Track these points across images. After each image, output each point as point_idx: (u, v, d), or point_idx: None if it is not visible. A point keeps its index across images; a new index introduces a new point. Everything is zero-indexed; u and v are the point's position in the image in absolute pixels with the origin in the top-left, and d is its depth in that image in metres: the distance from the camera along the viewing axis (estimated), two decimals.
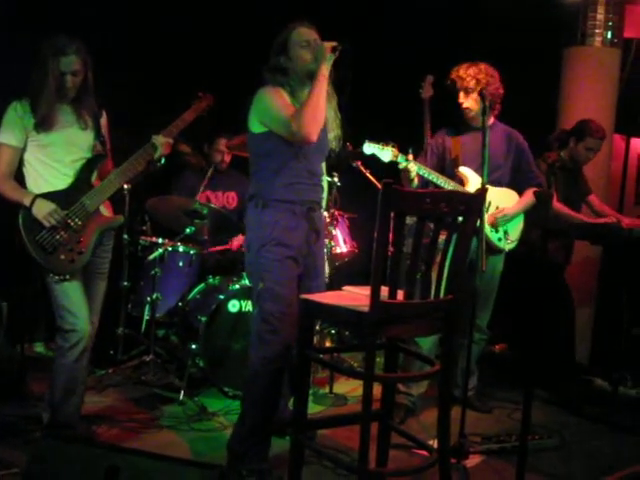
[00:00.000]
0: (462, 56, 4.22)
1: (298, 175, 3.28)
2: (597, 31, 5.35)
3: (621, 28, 5.42)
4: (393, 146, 3.88)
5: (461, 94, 4.15)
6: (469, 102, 4.14)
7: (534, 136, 4.54)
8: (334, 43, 3.11)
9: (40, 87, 3.30)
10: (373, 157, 3.93)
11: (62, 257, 3.32)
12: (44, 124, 3.32)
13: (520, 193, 4.30)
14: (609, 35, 5.37)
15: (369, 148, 3.89)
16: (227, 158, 5.36)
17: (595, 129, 4.71)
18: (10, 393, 4.04)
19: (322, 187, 3.49)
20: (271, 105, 3.19)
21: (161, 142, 3.51)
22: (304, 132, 3.08)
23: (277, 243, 3.22)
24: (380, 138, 3.92)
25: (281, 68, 3.27)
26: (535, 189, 4.09)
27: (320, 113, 3.11)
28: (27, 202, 3.28)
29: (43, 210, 3.27)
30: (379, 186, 2.64)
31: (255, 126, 3.26)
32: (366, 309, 2.65)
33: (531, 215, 4.36)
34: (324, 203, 3.60)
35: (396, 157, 3.89)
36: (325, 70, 3.11)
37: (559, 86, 5.57)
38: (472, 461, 3.58)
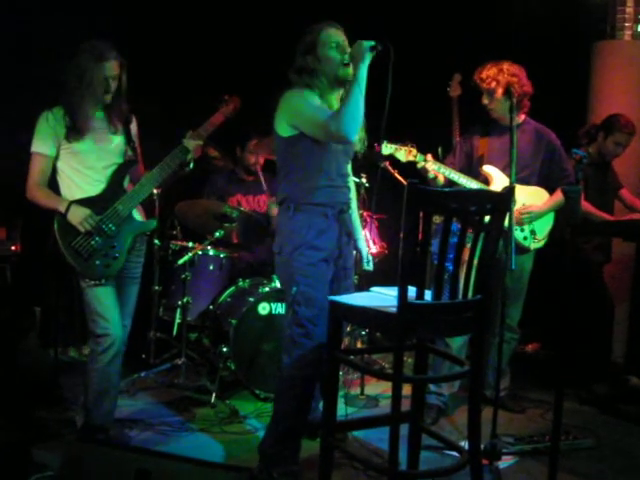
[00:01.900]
0: (490, 53, 4.19)
1: (328, 178, 3.27)
2: (627, 24, 5.27)
3: None
4: (411, 146, 3.88)
5: (484, 96, 4.13)
6: (492, 103, 4.12)
7: (565, 132, 4.49)
8: (372, 43, 3.05)
9: (81, 94, 3.32)
10: (392, 157, 3.94)
11: (97, 262, 3.36)
12: (79, 132, 3.35)
13: (551, 192, 4.26)
14: (639, 28, 5.29)
15: (387, 149, 3.90)
16: (261, 160, 5.36)
17: (624, 124, 4.65)
18: (44, 397, 4.09)
19: (349, 188, 3.49)
20: (303, 107, 3.15)
21: (192, 145, 3.52)
22: (344, 132, 3.03)
23: (310, 246, 3.21)
24: (407, 138, 3.91)
25: (308, 69, 3.23)
26: (565, 187, 4.05)
27: (359, 112, 3.06)
28: (62, 209, 3.32)
29: (78, 216, 3.31)
30: None
31: (283, 129, 3.22)
32: (394, 310, 2.64)
33: (563, 214, 4.31)
34: (354, 204, 3.59)
35: (414, 157, 3.88)
36: (363, 69, 3.04)
37: (589, 81, 5.50)
38: (505, 462, 3.55)
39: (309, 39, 3.25)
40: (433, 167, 3.94)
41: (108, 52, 3.33)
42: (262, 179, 5.34)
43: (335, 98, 3.30)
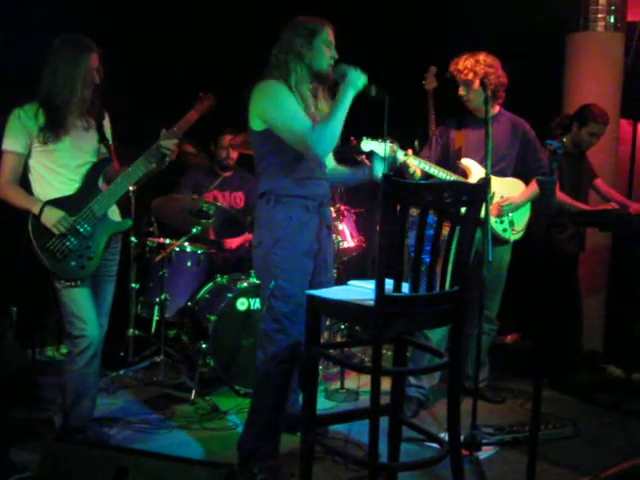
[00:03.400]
0: (464, 45, 4.20)
1: (309, 170, 3.26)
2: (600, 16, 5.28)
3: (624, 12, 5.36)
4: (391, 141, 3.85)
5: (461, 87, 4.14)
6: (470, 94, 4.12)
7: (539, 123, 4.51)
8: (365, 82, 3.13)
9: (65, 90, 3.26)
10: (372, 153, 3.92)
11: (73, 264, 3.31)
12: (58, 131, 3.28)
13: (527, 183, 4.28)
14: (612, 19, 5.30)
15: (367, 145, 3.86)
16: (233, 155, 5.33)
17: (598, 114, 4.66)
18: (22, 397, 4.05)
19: (327, 179, 3.47)
20: (281, 109, 3.12)
21: (170, 145, 3.44)
22: (319, 149, 3.09)
23: (291, 240, 3.20)
24: (382, 131, 3.90)
25: (297, 51, 3.20)
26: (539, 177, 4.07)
27: (337, 133, 3.12)
28: (36, 210, 3.25)
29: (52, 218, 3.25)
30: None
31: (257, 124, 3.20)
32: (371, 303, 2.64)
33: (538, 204, 4.34)
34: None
35: (394, 152, 3.86)
36: (350, 96, 3.11)
37: (563, 73, 5.53)
38: (485, 452, 3.57)
39: (311, 26, 3.24)
40: (414, 162, 3.93)
41: (89, 44, 3.29)
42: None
43: (308, 89, 3.28)
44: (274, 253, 3.20)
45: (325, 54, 3.23)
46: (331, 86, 3.32)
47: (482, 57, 4.05)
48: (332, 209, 4.74)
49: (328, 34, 3.26)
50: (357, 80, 3.12)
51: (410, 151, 3.93)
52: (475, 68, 4.02)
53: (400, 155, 3.88)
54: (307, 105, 3.22)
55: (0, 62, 4.46)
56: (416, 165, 3.93)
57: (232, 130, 5.13)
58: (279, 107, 3.13)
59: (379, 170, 3.47)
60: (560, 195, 4.50)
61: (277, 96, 3.15)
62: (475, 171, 4.09)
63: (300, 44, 3.21)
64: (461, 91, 4.14)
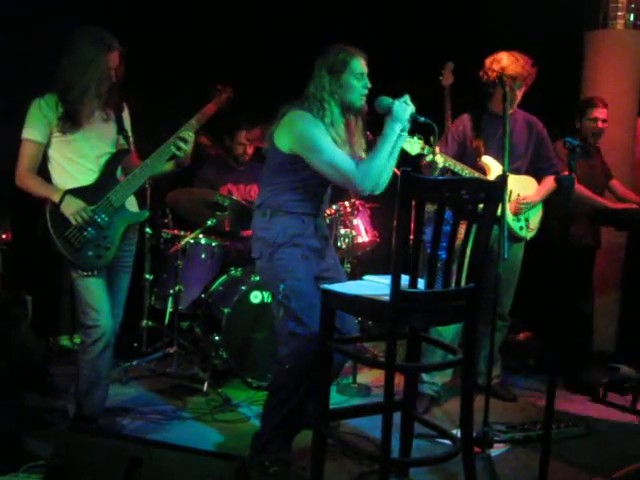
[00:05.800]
0: (482, 42, 4.18)
1: (314, 192, 3.28)
2: (619, 14, 5.26)
3: None
4: (420, 138, 3.75)
5: (514, 90, 4.04)
6: (518, 95, 4.09)
7: (557, 122, 4.48)
8: (414, 111, 3.12)
9: (85, 85, 3.27)
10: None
11: (90, 253, 3.32)
12: (76, 123, 3.30)
13: (539, 181, 4.27)
14: (631, 17, 5.27)
15: None
16: (249, 150, 5.34)
17: (593, 98, 4.77)
18: (36, 386, 4.08)
19: (329, 194, 3.47)
20: (322, 146, 3.10)
21: (188, 138, 3.44)
22: (368, 187, 3.11)
23: (292, 245, 3.22)
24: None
25: (327, 89, 3.19)
26: (556, 175, 4.04)
27: (386, 169, 3.13)
28: (56, 198, 3.27)
29: (72, 208, 3.26)
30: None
31: (284, 147, 3.19)
32: (387, 298, 2.64)
33: (553, 202, 4.33)
34: None
35: (423, 149, 3.79)
36: (396, 130, 3.11)
37: (582, 70, 5.49)
38: (497, 450, 3.57)
39: (339, 60, 3.21)
40: (441, 161, 3.89)
41: (112, 42, 3.29)
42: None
43: (342, 126, 3.27)
44: (276, 259, 3.22)
45: (355, 88, 3.21)
46: (365, 117, 3.31)
47: (523, 60, 4.02)
48: (347, 204, 4.75)
49: (359, 64, 3.22)
50: (403, 113, 3.10)
51: (438, 149, 3.86)
52: (531, 71, 4.02)
53: (428, 152, 3.80)
54: (341, 142, 3.22)
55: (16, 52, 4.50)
56: (442, 163, 3.90)
57: (248, 126, 5.13)
58: (320, 150, 3.11)
59: None
60: (580, 188, 4.48)
61: (316, 138, 3.12)
62: (494, 169, 4.06)
63: (330, 81, 3.20)
64: (517, 93, 4.08)
